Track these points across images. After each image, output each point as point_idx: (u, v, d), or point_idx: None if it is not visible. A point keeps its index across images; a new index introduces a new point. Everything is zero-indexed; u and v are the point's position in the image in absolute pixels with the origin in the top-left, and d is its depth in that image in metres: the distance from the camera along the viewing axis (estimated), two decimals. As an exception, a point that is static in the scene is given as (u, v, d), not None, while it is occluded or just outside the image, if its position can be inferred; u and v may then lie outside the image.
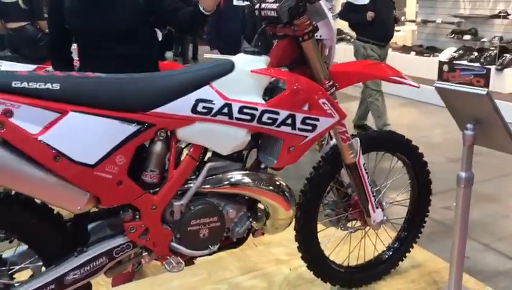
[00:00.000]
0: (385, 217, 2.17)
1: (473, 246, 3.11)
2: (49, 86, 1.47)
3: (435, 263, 2.54)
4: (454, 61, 7.25)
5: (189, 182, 1.73)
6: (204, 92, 1.64)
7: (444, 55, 7.46)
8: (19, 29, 4.58)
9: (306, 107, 1.75)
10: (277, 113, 1.70)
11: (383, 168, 2.39)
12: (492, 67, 6.70)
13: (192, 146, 1.72)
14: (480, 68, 6.88)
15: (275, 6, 1.73)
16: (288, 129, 1.73)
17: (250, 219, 1.87)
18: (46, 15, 4.34)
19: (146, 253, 1.74)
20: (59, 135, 1.47)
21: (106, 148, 1.53)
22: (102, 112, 1.53)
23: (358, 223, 2.24)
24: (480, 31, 7.28)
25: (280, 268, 2.46)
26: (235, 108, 1.66)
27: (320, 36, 1.84)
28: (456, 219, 2.06)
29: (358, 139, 2.02)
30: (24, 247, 1.67)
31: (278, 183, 1.85)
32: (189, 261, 1.86)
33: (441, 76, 7.41)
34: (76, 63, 2.40)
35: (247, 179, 1.79)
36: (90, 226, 1.72)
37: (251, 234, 1.94)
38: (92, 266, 1.64)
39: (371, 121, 5.42)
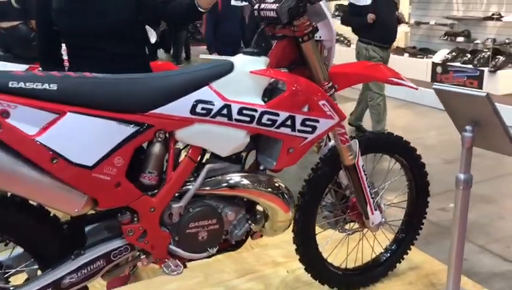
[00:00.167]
0: (383, 219, 2.16)
1: (469, 248, 3.12)
2: (46, 86, 1.44)
3: (432, 265, 2.53)
4: (448, 63, 7.28)
5: (188, 184, 1.72)
6: (203, 93, 1.63)
7: (438, 57, 7.49)
8: (11, 28, 4.53)
9: (305, 109, 1.74)
10: (276, 114, 1.69)
11: (381, 169, 2.38)
12: (486, 69, 6.73)
13: (191, 147, 1.70)
14: (473, 70, 6.90)
15: (274, 6, 1.72)
16: (287, 131, 1.71)
17: (249, 221, 1.85)
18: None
19: (144, 256, 1.71)
20: (56, 136, 1.45)
21: (104, 150, 1.51)
22: (100, 112, 1.50)
23: (356, 225, 2.23)
24: (473, 33, 7.31)
25: (277, 270, 2.45)
26: (235, 109, 1.64)
27: (320, 37, 1.83)
28: (455, 221, 2.05)
29: (357, 140, 2.01)
30: (20, 250, 1.65)
31: (277, 185, 1.83)
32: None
33: (434, 78, 7.44)
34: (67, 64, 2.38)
35: (246, 181, 1.77)
36: (87, 229, 1.70)
37: (249, 237, 1.92)
38: (89, 269, 1.61)
39: (366, 123, 5.43)
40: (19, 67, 3.71)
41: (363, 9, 4.83)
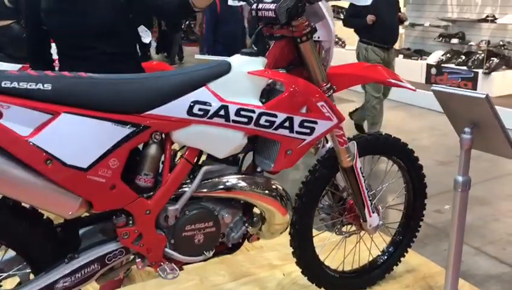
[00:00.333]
0: (381, 222, 2.14)
1: (464, 250, 3.08)
2: (40, 86, 1.41)
3: (429, 268, 2.52)
4: (442, 65, 7.30)
5: (184, 186, 1.69)
6: (200, 94, 1.60)
7: (432, 59, 7.51)
8: (4, 28, 4.48)
9: (304, 110, 1.72)
10: (275, 115, 1.66)
11: (378, 171, 2.37)
12: (480, 71, 6.75)
13: (188, 149, 1.67)
14: (467, 72, 6.92)
15: (272, 6, 1.70)
16: (285, 132, 1.69)
17: (246, 224, 1.82)
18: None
19: (139, 259, 1.68)
20: (50, 137, 1.42)
21: (99, 151, 1.48)
22: (95, 113, 1.47)
23: (353, 228, 2.22)
24: (468, 35, 7.33)
25: (273, 273, 2.42)
26: (232, 110, 1.62)
27: (319, 37, 1.81)
28: (453, 223, 2.04)
29: (355, 142, 1.99)
30: (12, 253, 1.61)
31: (274, 187, 1.81)
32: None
33: (428, 79, 7.46)
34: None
35: (243, 183, 1.75)
36: (81, 231, 1.66)
37: (246, 240, 1.90)
38: (83, 273, 1.58)
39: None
40: (12, 67, 3.66)
41: (362, 10, 4.76)
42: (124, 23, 2.16)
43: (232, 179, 1.74)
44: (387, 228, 2.37)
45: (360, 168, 2.00)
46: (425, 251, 2.96)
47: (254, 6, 1.79)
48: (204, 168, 1.70)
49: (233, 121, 1.63)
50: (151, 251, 1.66)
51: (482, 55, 6.82)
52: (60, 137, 1.43)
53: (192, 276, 2.34)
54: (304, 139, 1.73)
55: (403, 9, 8.47)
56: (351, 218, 2.17)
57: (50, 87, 1.43)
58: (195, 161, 1.71)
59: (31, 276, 1.61)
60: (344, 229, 2.21)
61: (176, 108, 1.57)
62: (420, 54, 7.88)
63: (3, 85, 1.37)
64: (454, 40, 7.45)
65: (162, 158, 1.66)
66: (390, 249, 2.37)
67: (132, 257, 1.69)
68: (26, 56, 2.44)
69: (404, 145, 2.20)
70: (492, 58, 6.72)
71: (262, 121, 1.65)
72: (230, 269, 2.44)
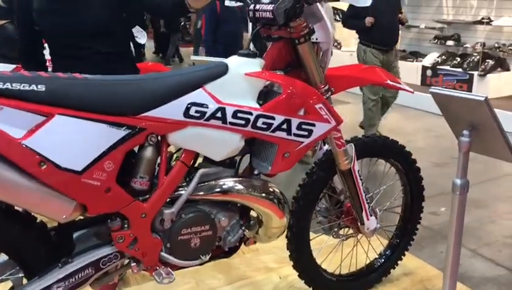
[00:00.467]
0: (379, 225, 2.13)
1: (461, 252, 3.10)
2: (34, 87, 1.39)
3: (426, 271, 2.52)
4: (438, 66, 7.31)
5: (180, 189, 1.67)
6: (197, 95, 1.58)
7: (427, 60, 7.51)
8: (-2, 27, 4.44)
9: (302, 112, 1.70)
10: (272, 118, 1.65)
11: (374, 173, 2.35)
12: (475, 73, 6.77)
13: (184, 151, 1.65)
14: (463, 73, 6.93)
15: (270, 7, 1.68)
16: (283, 134, 1.67)
17: (243, 228, 1.81)
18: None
19: (134, 263, 1.66)
20: (44, 140, 1.39)
21: (94, 154, 1.46)
22: (90, 115, 1.45)
23: (351, 231, 2.20)
24: (463, 37, 7.35)
25: (269, 276, 2.41)
26: (229, 112, 1.60)
27: (317, 39, 1.80)
28: (451, 227, 2.02)
29: (352, 145, 1.97)
30: (4, 257, 1.58)
31: (271, 190, 1.79)
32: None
33: (424, 81, 7.46)
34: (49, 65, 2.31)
35: (240, 186, 1.73)
36: (75, 235, 1.64)
37: (243, 243, 1.88)
38: (77, 277, 1.55)
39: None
40: (6, 67, 3.62)
41: (362, 11, 4.71)
42: (119, 23, 2.13)
43: (228, 182, 1.72)
44: (384, 231, 2.36)
45: (358, 171, 1.98)
46: (422, 254, 2.94)
47: (251, 7, 1.77)
48: (200, 171, 1.68)
49: (230, 123, 1.61)
50: (147, 255, 1.64)
51: (478, 57, 6.84)
52: (54, 139, 1.40)
53: (188, 279, 2.32)
54: (302, 142, 1.71)
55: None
56: (348, 221, 2.15)
57: (44, 89, 1.40)
58: (191, 163, 1.69)
59: (24, 281, 1.58)
60: (341, 232, 2.20)
61: (172, 110, 1.55)
62: (415, 55, 7.89)
63: None
64: (450, 42, 7.46)
65: (158, 161, 1.64)
66: (387, 252, 2.36)
67: (127, 261, 1.67)
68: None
69: (402, 147, 2.18)
70: (487, 60, 6.73)
71: (259, 124, 1.63)
72: (226, 272, 2.42)
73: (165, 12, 2.15)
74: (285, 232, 1.95)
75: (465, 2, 7.37)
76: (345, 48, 8.61)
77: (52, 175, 1.41)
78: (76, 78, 1.50)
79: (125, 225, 1.59)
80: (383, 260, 2.34)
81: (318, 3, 1.74)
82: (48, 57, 2.28)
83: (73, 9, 2.02)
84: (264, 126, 1.64)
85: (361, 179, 2.00)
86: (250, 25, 5.64)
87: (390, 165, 2.24)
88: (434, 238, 3.36)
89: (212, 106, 1.59)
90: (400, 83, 2.00)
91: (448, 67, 7.19)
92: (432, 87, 1.97)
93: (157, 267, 1.67)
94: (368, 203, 2.05)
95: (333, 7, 7.56)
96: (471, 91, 6.71)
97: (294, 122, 1.67)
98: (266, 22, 1.74)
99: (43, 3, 2.04)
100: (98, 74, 1.58)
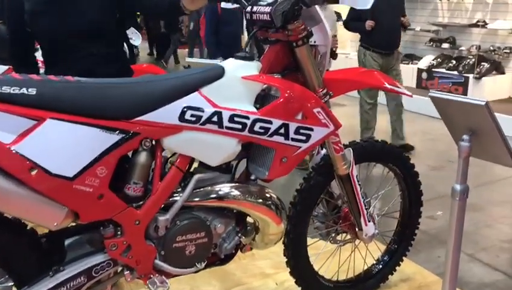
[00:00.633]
0: (377, 231, 2.10)
1: (458, 257, 3.08)
2: (24, 90, 1.35)
3: (424, 276, 2.49)
4: (433, 69, 7.30)
5: (175, 195, 1.63)
6: (193, 99, 1.55)
7: (423, 63, 7.50)
8: (-11, 28, 4.38)
9: (299, 116, 1.67)
10: (270, 122, 1.61)
11: (372, 177, 2.32)
12: (471, 76, 6.76)
13: (179, 156, 1.62)
14: (458, 76, 6.93)
15: (268, 9, 1.64)
16: (281, 139, 1.64)
17: (239, 234, 1.77)
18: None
19: (128, 271, 1.62)
20: (35, 145, 1.36)
21: (86, 159, 1.42)
22: (82, 119, 1.42)
23: (348, 236, 2.17)
24: (458, 40, 7.34)
25: (266, 282, 2.38)
26: (226, 116, 1.57)
27: (315, 42, 1.76)
28: (450, 232, 2.00)
29: (351, 149, 1.94)
30: (-7, 265, 1.54)
31: (268, 196, 1.76)
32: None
33: (419, 83, 7.45)
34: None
35: (236, 192, 1.70)
36: (67, 242, 1.61)
37: (239, 250, 1.84)
38: (68, 286, 1.52)
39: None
40: (-2, 69, 3.57)
41: (362, 14, 4.66)
42: (112, 23, 2.10)
43: (224, 188, 1.69)
44: (382, 236, 2.33)
45: (356, 176, 1.95)
46: (419, 258, 2.91)
47: (248, 9, 1.73)
48: (196, 177, 1.65)
49: (227, 127, 1.58)
50: (141, 262, 1.60)
51: (473, 60, 6.83)
52: (45, 144, 1.37)
53: (183, 286, 2.28)
54: (300, 147, 1.68)
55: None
56: (345, 226, 2.13)
57: (35, 92, 1.37)
58: (186, 168, 1.65)
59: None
60: (339, 237, 2.17)
61: (167, 114, 1.52)
62: (411, 58, 7.87)
63: None
64: (445, 45, 7.45)
65: (152, 166, 1.60)
66: (385, 258, 2.34)
67: (120, 268, 1.63)
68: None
69: (400, 152, 2.16)
70: (482, 63, 6.72)
71: (256, 128, 1.60)
72: (221, 278, 2.38)
73: (159, 13, 2.12)
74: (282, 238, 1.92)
75: (461, 5, 7.37)
76: (340, 50, 8.57)
77: (42, 181, 1.37)
78: (69, 81, 1.46)
79: (119, 232, 1.56)
80: (380, 266, 2.32)
81: (316, 6, 1.71)
82: (40, 58, 2.23)
83: (66, 10, 1.98)
84: (261, 131, 1.61)
85: (359, 184, 1.97)
86: (244, 26, 5.62)
87: (389, 170, 2.21)
88: (431, 243, 3.33)
89: (208, 110, 1.55)
90: (398, 87, 1.97)
91: (443, 70, 7.18)
92: (431, 91, 1.94)
93: (151, 276, 1.64)
94: (366, 208, 2.02)
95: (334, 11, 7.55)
96: (466, 94, 6.71)
97: (292, 126, 1.64)
98: (263, 24, 1.70)
99: (35, 5, 2.00)
100: (91, 76, 1.54)
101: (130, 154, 1.57)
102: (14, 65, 2.21)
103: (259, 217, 1.75)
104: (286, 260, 2.03)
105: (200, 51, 9.57)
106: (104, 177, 1.45)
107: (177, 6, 1.92)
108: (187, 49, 10.59)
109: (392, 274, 2.35)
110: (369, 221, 2.04)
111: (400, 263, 2.35)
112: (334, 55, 4.36)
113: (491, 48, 6.85)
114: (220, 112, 1.56)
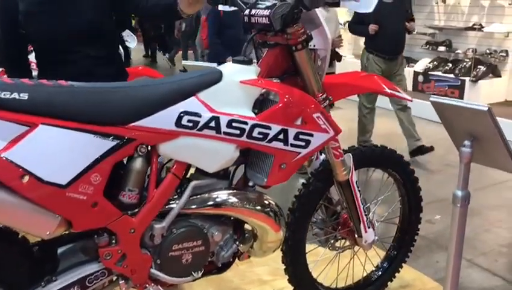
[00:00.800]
0: (376, 237, 2.06)
1: (457, 263, 3.05)
2: (15, 95, 1.31)
3: (424, 283, 2.47)
4: (429, 72, 7.29)
5: (171, 202, 1.59)
6: (190, 104, 1.51)
7: (419, 66, 7.49)
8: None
9: (299, 122, 1.63)
10: (268, 127, 1.58)
11: (370, 182, 2.29)
12: (467, 79, 6.76)
13: (175, 163, 1.58)
14: (454, 79, 6.92)
15: (266, 12, 1.61)
16: (280, 145, 1.60)
17: (237, 242, 1.74)
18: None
19: (123, 281, 1.59)
20: (26, 151, 1.32)
21: (80, 166, 1.38)
22: (76, 125, 1.38)
23: (347, 243, 2.14)
24: (455, 43, 7.34)
25: (263, 289, 2.33)
26: (223, 121, 1.53)
27: (314, 46, 1.73)
28: (451, 239, 1.98)
29: (350, 155, 1.91)
30: (-17, 275, 1.49)
31: (267, 202, 1.73)
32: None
33: (415, 86, 7.44)
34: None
35: (234, 199, 1.66)
36: (60, 251, 1.57)
37: (237, 258, 1.80)
38: (61, 297, 1.47)
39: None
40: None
41: (365, 18, 4.55)
42: (108, 25, 2.07)
43: (222, 195, 1.65)
44: (381, 243, 2.30)
45: (356, 182, 1.92)
46: (418, 264, 2.89)
47: (246, 12, 1.70)
48: (192, 183, 1.61)
49: (225, 133, 1.54)
50: (136, 272, 1.56)
51: (469, 63, 6.83)
52: (37, 151, 1.33)
53: (179, 293, 2.23)
54: (299, 153, 1.64)
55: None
56: (344, 233, 2.09)
57: (26, 97, 1.33)
58: (183, 175, 1.61)
59: (4, 300, 1.50)
60: (337, 244, 2.14)
61: (164, 119, 1.48)
62: (407, 61, 7.84)
63: None
64: (441, 48, 7.44)
65: (148, 172, 1.56)
66: (384, 265, 2.30)
67: (115, 278, 1.59)
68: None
69: (400, 157, 2.13)
70: (479, 67, 6.72)
71: (255, 133, 1.57)
72: (218, 286, 2.34)
73: (156, 16, 2.09)
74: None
75: (457, 8, 7.37)
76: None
77: (34, 189, 1.33)
78: (62, 86, 1.42)
79: (113, 241, 1.52)
80: (380, 273, 2.28)
81: (316, 9, 1.68)
82: (33, 60, 2.19)
83: (63, 11, 1.94)
84: (260, 136, 1.57)
85: (359, 191, 1.94)
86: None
87: (388, 176, 2.18)
88: (429, 247, 3.31)
89: (206, 115, 1.52)
90: (399, 91, 1.94)
91: (440, 73, 7.18)
92: (432, 96, 1.92)
93: (147, 285, 1.60)
94: (365, 214, 1.99)
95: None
96: (462, 97, 6.70)
97: (291, 132, 1.61)
98: (262, 27, 1.66)
99: (30, 5, 1.95)
100: (89, 78, 1.50)
101: (125, 160, 1.53)
102: (7, 67, 2.17)
103: (258, 224, 1.71)
104: (284, 267, 2.00)
105: (194, 53, 9.48)
106: (98, 184, 1.41)
107: (174, 10, 1.89)
108: (181, 52, 10.52)
109: (391, 281, 2.31)
110: (368, 227, 2.01)
111: (400, 269, 2.32)
112: (338, 57, 4.32)
113: (487, 51, 6.85)
114: (218, 117, 1.53)
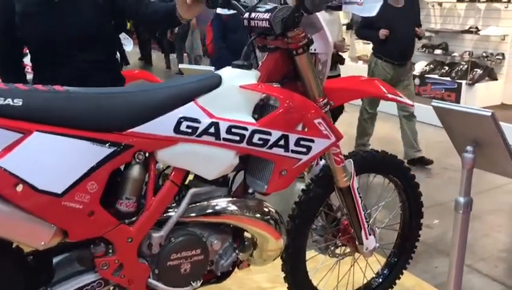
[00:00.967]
0: (377, 244, 2.03)
1: (457, 268, 3.03)
2: (9, 101, 1.28)
3: (423, 288, 2.45)
4: (426, 75, 7.29)
5: (170, 210, 1.56)
6: (188, 110, 1.48)
7: (416, 69, 7.48)
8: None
9: (300, 127, 1.60)
10: (269, 133, 1.54)
11: (370, 187, 2.26)
12: (463, 82, 6.76)
13: (174, 170, 1.54)
14: (451, 82, 6.92)
15: (267, 16, 1.58)
16: (280, 151, 1.57)
17: (236, 251, 1.70)
18: None
19: (119, 291, 1.54)
20: (20, 159, 1.28)
21: (76, 174, 1.34)
22: (72, 132, 1.34)
23: (348, 249, 2.10)
24: (451, 46, 7.33)
25: (262, 297, 2.30)
26: (223, 127, 1.50)
27: (315, 50, 1.70)
28: (454, 246, 1.95)
29: (351, 161, 1.88)
30: (-24, 286, 1.45)
31: (267, 210, 1.70)
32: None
33: (412, 89, 7.43)
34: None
35: (233, 207, 1.63)
36: (55, 260, 1.53)
37: (236, 267, 1.77)
38: (56, 308, 1.43)
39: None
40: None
41: (375, 22, 4.38)
42: (106, 29, 2.04)
43: (221, 203, 1.62)
44: (382, 249, 2.27)
45: (358, 189, 1.88)
46: (416, 269, 2.86)
47: (246, 15, 1.67)
48: (191, 191, 1.58)
49: (224, 139, 1.51)
50: (133, 282, 1.53)
51: (466, 66, 6.83)
52: (32, 159, 1.29)
53: (176, 301, 2.19)
54: (300, 159, 1.61)
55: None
56: (345, 240, 2.06)
57: (20, 103, 1.29)
58: (181, 182, 1.57)
59: (-2, 311, 1.46)
60: (338, 251, 2.10)
61: (162, 125, 1.45)
62: (403, 64, 7.87)
63: None
64: (438, 51, 7.44)
65: (146, 179, 1.52)
66: (385, 272, 2.28)
67: (112, 288, 1.56)
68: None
69: (401, 162, 2.10)
70: (475, 70, 6.72)
71: (255, 139, 1.53)
72: (216, 294, 2.30)
73: (155, 21, 2.06)
74: (279, 253, 1.85)
75: (453, 11, 7.38)
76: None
77: (28, 198, 1.29)
78: (57, 91, 1.38)
79: (110, 251, 1.48)
80: (380, 280, 2.26)
81: (318, 13, 1.65)
82: (28, 63, 2.15)
83: (60, 13, 1.90)
84: (260, 142, 1.54)
85: (360, 197, 1.91)
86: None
87: (389, 181, 2.15)
88: (428, 253, 3.28)
89: (205, 121, 1.48)
90: (400, 96, 1.92)
91: (436, 76, 7.17)
92: (434, 100, 1.89)
93: (145, 295, 1.56)
94: (366, 221, 1.96)
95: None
96: (459, 100, 6.70)
97: (292, 138, 1.58)
98: (262, 31, 1.63)
99: (27, 6, 1.91)
100: (87, 81, 1.47)
101: (122, 167, 1.49)
102: (1, 70, 2.12)
103: (258, 232, 1.68)
104: (284, 274, 1.96)
105: (188, 56, 9.41)
106: (95, 193, 1.37)
107: (173, 16, 1.87)
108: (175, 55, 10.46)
109: (391, 288, 2.29)
110: (369, 234, 1.98)
111: (400, 276, 2.29)
112: (341, 60, 4.28)
113: (484, 54, 6.85)
114: (217, 123, 1.49)
